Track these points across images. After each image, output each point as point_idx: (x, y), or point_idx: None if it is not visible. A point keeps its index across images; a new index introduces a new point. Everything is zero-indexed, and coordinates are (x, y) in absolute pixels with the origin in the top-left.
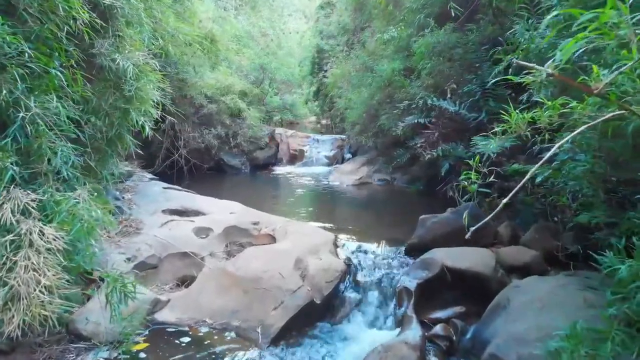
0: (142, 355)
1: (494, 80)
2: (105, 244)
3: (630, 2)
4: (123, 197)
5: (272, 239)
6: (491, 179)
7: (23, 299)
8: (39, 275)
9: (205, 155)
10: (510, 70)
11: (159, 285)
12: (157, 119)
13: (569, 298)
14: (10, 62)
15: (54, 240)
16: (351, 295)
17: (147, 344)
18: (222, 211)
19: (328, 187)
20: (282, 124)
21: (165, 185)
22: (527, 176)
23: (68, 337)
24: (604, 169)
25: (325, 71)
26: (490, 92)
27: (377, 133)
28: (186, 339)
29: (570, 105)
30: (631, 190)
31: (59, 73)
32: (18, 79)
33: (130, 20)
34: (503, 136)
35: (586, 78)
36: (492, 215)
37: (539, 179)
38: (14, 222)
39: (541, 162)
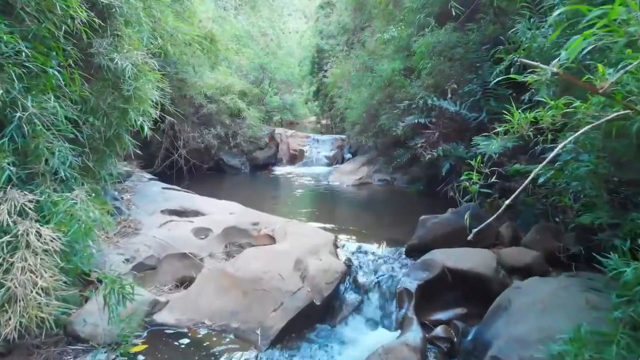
0: (141, 357)
1: (496, 80)
2: (104, 245)
3: None
4: (122, 198)
5: (272, 239)
6: (493, 179)
7: (20, 300)
8: (36, 276)
9: (204, 155)
10: (512, 69)
11: (157, 286)
12: (156, 119)
13: (571, 299)
14: (7, 61)
15: (51, 241)
16: (351, 296)
17: (145, 346)
18: (221, 211)
19: (328, 187)
20: (282, 124)
21: (165, 185)
22: (531, 177)
23: (66, 339)
24: (607, 169)
25: (325, 71)
26: (491, 92)
27: (377, 133)
28: (185, 341)
29: (573, 105)
30: (633, 190)
31: (56, 72)
32: (15, 79)
33: (129, 20)
34: (505, 136)
35: (591, 77)
36: (494, 216)
37: (541, 180)
38: (11, 223)
39: (544, 162)
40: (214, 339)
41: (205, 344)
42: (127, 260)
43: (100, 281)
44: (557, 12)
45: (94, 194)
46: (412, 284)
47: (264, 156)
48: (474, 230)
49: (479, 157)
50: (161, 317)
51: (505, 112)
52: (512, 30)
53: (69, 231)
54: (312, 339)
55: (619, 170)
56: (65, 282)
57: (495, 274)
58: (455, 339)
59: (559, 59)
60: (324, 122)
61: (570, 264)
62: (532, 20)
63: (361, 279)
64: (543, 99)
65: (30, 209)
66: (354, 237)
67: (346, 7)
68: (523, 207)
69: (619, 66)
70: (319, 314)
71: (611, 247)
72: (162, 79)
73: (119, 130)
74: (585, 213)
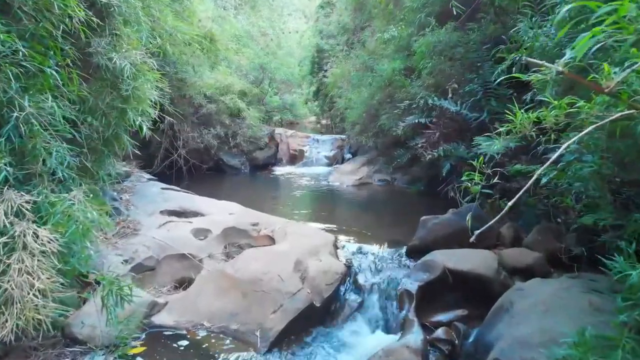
0: (139, 359)
1: (498, 80)
2: (102, 246)
3: None
4: (120, 198)
5: (272, 240)
6: (495, 180)
7: (17, 302)
8: (33, 278)
9: (204, 156)
10: (513, 69)
11: (156, 287)
12: (155, 119)
13: (573, 301)
14: (5, 60)
15: (49, 242)
16: (351, 297)
17: (144, 348)
18: (221, 212)
19: (328, 187)
20: (281, 124)
21: (164, 185)
22: (534, 177)
23: (63, 341)
24: (611, 170)
25: (325, 71)
26: (492, 92)
27: (377, 133)
28: (184, 343)
29: (577, 104)
30: (636, 191)
31: (54, 72)
32: (12, 78)
33: (128, 19)
34: (507, 136)
35: (596, 76)
36: (497, 218)
37: (544, 180)
38: (8, 224)
39: (548, 162)
40: (213, 340)
41: (204, 346)
42: (126, 261)
43: (98, 283)
44: (565, 8)
45: (92, 195)
46: (412, 285)
47: (263, 156)
48: (477, 232)
49: (481, 158)
50: (160, 318)
51: (506, 112)
52: (513, 29)
53: (67, 232)
54: (312, 341)
55: (623, 171)
56: (62, 284)
57: (496, 275)
58: (456, 341)
59: (565, 58)
60: (324, 122)
61: (572, 265)
62: (534, 19)
63: (361, 280)
64: (545, 99)
65: (27, 209)
66: (354, 238)
67: (346, 6)
68: (525, 208)
69: (625, 65)
70: (319, 316)
71: (615, 249)
72: (161, 79)
73: (117, 130)
74: (587, 214)
